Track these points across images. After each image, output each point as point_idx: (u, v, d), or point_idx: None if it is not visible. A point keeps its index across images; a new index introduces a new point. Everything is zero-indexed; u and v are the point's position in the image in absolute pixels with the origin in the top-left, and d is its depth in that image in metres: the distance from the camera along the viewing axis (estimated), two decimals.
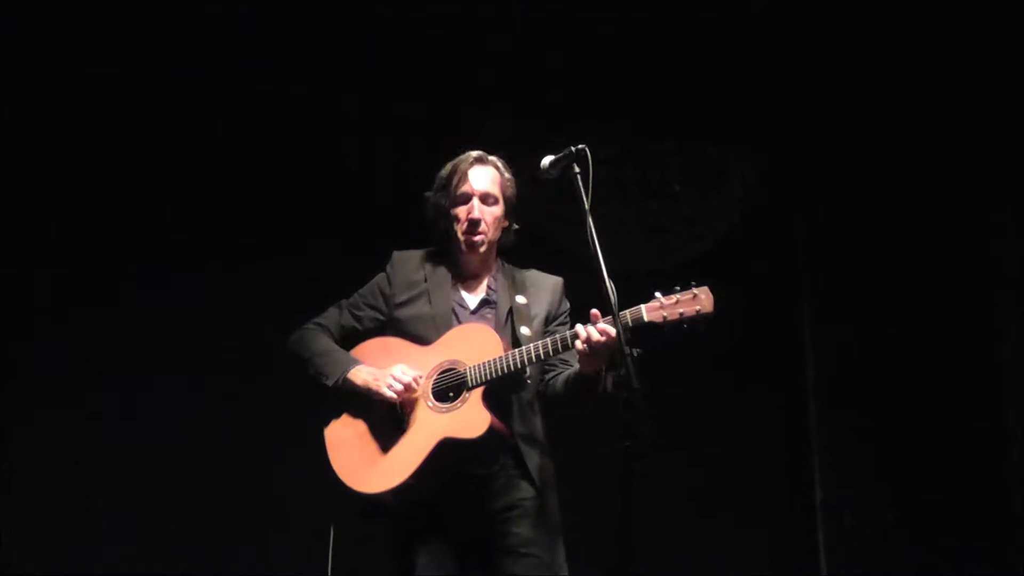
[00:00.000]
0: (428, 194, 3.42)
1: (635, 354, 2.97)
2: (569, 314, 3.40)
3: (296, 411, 3.37)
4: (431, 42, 4.81)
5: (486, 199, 3.35)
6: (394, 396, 3.17)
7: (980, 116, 5.00)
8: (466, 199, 3.34)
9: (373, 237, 3.97)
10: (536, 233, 3.53)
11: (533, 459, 3.20)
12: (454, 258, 3.40)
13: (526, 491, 3.18)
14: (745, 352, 4.95)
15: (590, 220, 2.99)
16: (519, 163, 3.43)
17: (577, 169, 3.08)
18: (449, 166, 3.40)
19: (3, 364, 4.53)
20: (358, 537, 3.34)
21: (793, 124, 5.15)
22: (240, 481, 4.58)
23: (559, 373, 3.30)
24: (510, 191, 3.40)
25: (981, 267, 5.08)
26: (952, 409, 4.98)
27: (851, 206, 5.15)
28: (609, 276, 2.94)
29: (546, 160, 3.17)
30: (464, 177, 3.36)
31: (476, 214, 3.33)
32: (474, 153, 3.40)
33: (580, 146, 3.09)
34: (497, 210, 3.37)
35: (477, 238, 3.33)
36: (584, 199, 3.04)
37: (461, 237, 3.34)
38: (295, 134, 4.86)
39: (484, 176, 3.37)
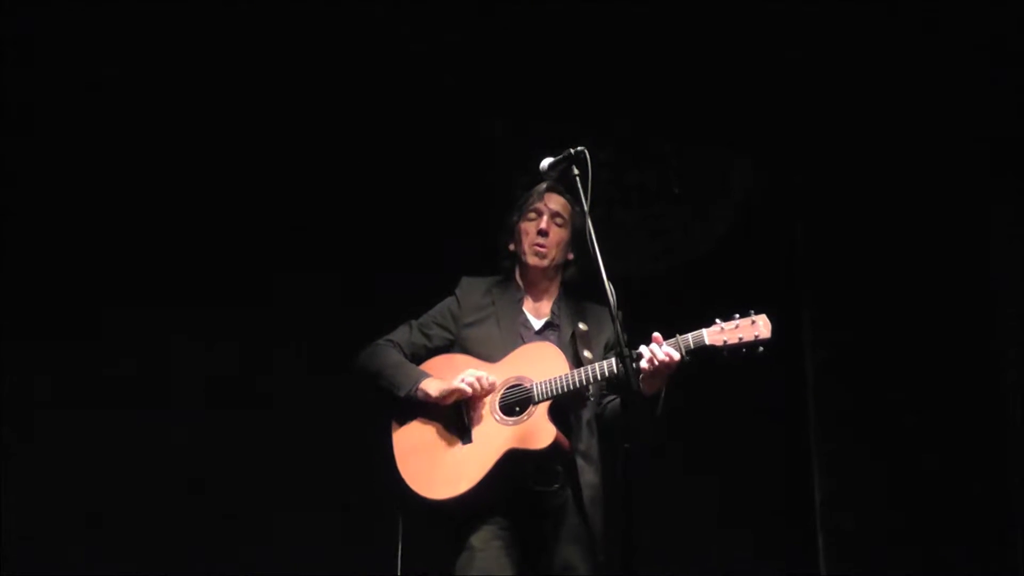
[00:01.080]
0: (507, 218, 3.60)
1: (634, 356, 3.06)
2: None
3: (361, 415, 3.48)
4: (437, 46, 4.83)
5: (555, 217, 3.51)
6: (467, 390, 3.26)
7: (983, 123, 5.03)
8: (537, 214, 3.52)
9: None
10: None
11: (587, 476, 3.30)
12: (520, 284, 3.57)
13: (578, 513, 3.27)
14: (744, 354, 4.91)
15: (589, 222, 3.01)
16: (519, 166, 3.49)
17: (576, 171, 3.10)
18: (527, 193, 3.59)
19: (6, 363, 4.51)
20: (425, 534, 3.44)
21: (793, 129, 5.16)
22: (306, 481, 4.60)
23: (616, 398, 3.40)
24: (578, 221, 3.49)
25: (981, 270, 5.10)
26: (952, 411, 5.00)
27: (851, 211, 5.17)
28: (608, 279, 2.96)
29: (545, 162, 3.20)
30: (538, 198, 3.54)
31: (544, 226, 3.49)
32: (547, 183, 3.51)
33: (579, 148, 3.11)
34: (564, 233, 3.52)
35: (543, 250, 3.49)
36: (583, 201, 3.07)
37: (527, 249, 3.50)
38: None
39: (556, 200, 3.54)
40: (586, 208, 3.06)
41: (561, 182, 3.26)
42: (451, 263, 3.77)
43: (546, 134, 3.54)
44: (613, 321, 2.95)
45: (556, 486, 3.27)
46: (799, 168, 5.23)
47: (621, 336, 2.95)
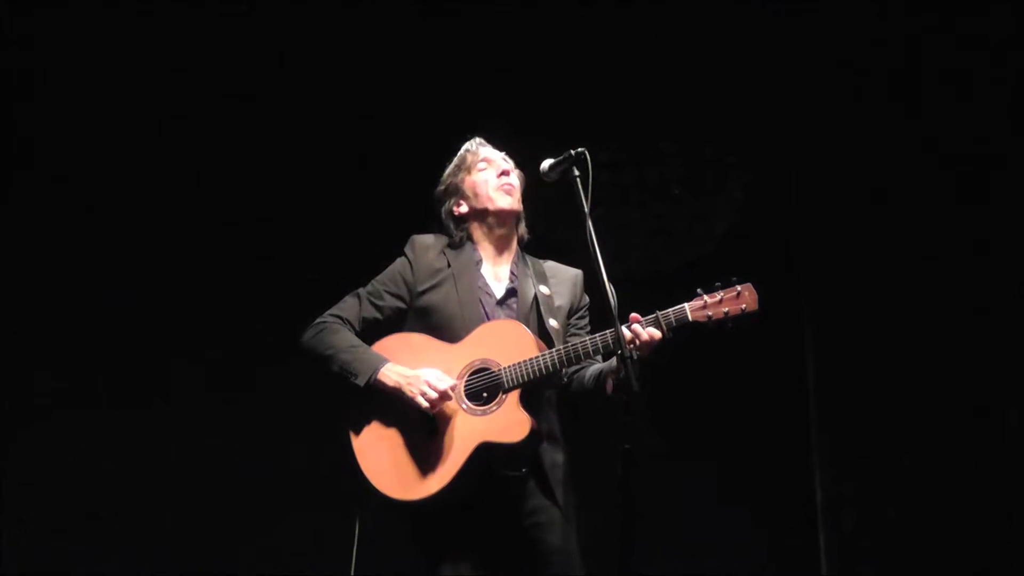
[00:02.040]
0: (439, 189, 3.41)
1: (634, 356, 2.96)
2: (588, 308, 3.37)
3: (309, 406, 3.36)
4: (429, 41, 4.82)
5: (506, 162, 3.37)
6: (428, 407, 3.06)
7: (984, 118, 5.01)
8: (487, 163, 3.36)
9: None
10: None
11: (551, 456, 3.15)
12: (476, 246, 3.35)
13: (548, 495, 3.13)
14: (745, 354, 4.92)
15: (590, 223, 2.98)
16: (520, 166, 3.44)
17: (576, 172, 3.07)
18: (459, 154, 3.41)
19: (11, 362, 4.51)
20: (382, 531, 3.22)
21: (792, 127, 5.15)
22: (258, 476, 4.58)
23: (581, 369, 3.25)
24: (546, 176, 3.32)
25: (982, 268, 5.08)
26: (952, 409, 4.98)
27: (850, 209, 5.14)
28: (609, 279, 2.93)
29: (545, 163, 3.17)
30: (479, 149, 3.39)
31: (505, 166, 3.32)
32: (477, 138, 3.42)
33: (579, 149, 3.08)
34: (519, 178, 3.36)
35: (511, 187, 3.30)
36: (584, 202, 3.04)
37: (493, 193, 3.31)
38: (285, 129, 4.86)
39: (497, 151, 3.41)
40: (587, 209, 3.02)
41: (562, 183, 3.13)
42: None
43: (543, 133, 3.47)
44: (615, 323, 2.90)
45: (524, 470, 3.10)
46: (797, 163, 5.22)
47: (623, 339, 2.89)
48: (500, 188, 3.31)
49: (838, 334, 5.14)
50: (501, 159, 3.39)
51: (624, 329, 2.99)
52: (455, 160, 3.43)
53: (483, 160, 3.38)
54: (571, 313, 3.34)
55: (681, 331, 3.03)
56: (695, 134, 5.14)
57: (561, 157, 3.11)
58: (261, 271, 4.77)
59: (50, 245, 4.65)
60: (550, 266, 3.41)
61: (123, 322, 4.67)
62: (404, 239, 3.36)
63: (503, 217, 3.34)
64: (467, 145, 3.42)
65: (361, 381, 3.11)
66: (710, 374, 4.92)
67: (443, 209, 3.40)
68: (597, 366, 3.22)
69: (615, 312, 2.93)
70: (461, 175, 3.38)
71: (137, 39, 4.60)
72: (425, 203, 3.43)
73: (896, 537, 4.95)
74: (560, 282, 3.35)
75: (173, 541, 4.54)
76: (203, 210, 4.79)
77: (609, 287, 2.96)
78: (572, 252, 3.29)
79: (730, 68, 4.96)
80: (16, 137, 4.62)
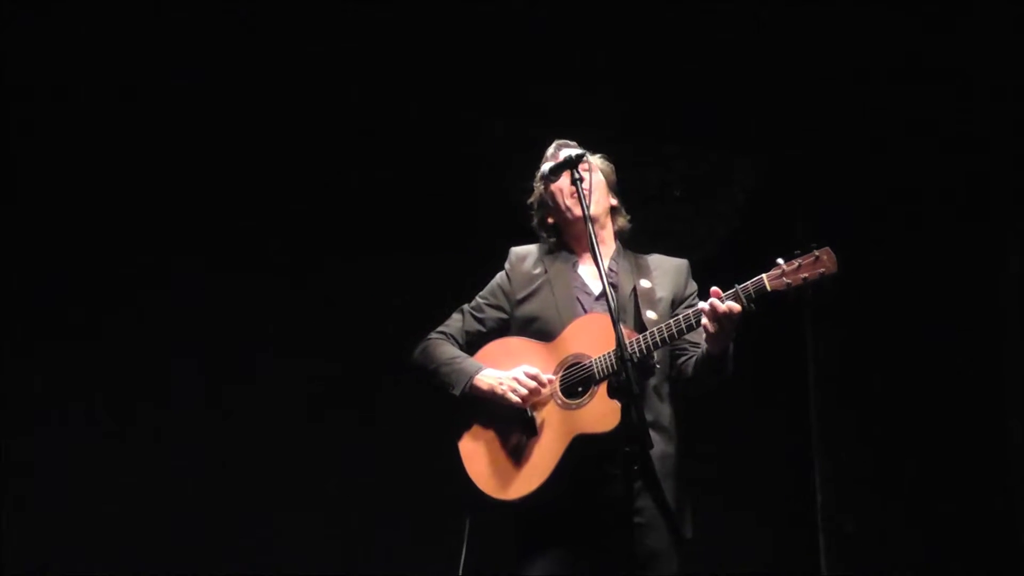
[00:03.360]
0: (530, 199, 3.44)
1: (635, 360, 3.00)
2: (697, 295, 3.33)
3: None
4: (438, 43, 4.81)
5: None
6: (520, 401, 3.12)
7: (990, 117, 5.03)
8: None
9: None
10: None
11: (659, 448, 3.08)
12: (570, 246, 3.37)
13: (655, 492, 3.11)
14: (745, 356, 4.91)
15: (591, 227, 3.00)
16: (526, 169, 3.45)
17: (578, 175, 3.07)
18: (542, 163, 3.35)
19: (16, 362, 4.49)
20: (491, 533, 3.28)
21: (794, 126, 5.15)
22: (373, 484, 4.62)
23: (690, 356, 3.20)
24: (608, 171, 3.36)
25: (986, 269, 5.08)
26: (954, 412, 4.99)
27: (852, 208, 5.13)
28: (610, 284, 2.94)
29: (546, 166, 3.18)
30: (556, 158, 3.27)
31: (576, 175, 3.17)
32: (556, 141, 3.37)
33: (579, 152, 3.10)
34: (598, 177, 3.30)
35: (584, 191, 3.19)
36: (585, 205, 3.05)
37: (569, 201, 3.29)
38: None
39: (574, 151, 3.29)
40: (588, 214, 3.04)
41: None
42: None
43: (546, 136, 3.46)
44: (615, 324, 2.88)
45: (635, 467, 2.96)
46: (798, 162, 5.22)
47: (623, 340, 2.86)
48: (573, 196, 3.27)
49: (840, 329, 5.14)
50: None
51: (704, 304, 2.97)
52: (540, 168, 3.37)
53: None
54: (675, 303, 3.30)
55: (761, 302, 2.98)
56: (697, 132, 5.14)
57: (561, 160, 3.11)
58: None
59: (55, 243, 4.60)
60: (654, 258, 3.39)
61: (124, 322, 4.64)
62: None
63: (580, 223, 3.29)
64: (549, 150, 3.38)
65: (457, 391, 3.19)
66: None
67: (534, 222, 3.46)
68: (698, 353, 3.17)
69: (615, 315, 2.91)
70: (541, 185, 3.37)
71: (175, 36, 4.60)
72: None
73: (896, 541, 4.96)
74: (663, 273, 3.33)
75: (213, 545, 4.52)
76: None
77: (610, 291, 2.97)
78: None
79: (732, 66, 4.96)
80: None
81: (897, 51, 4.93)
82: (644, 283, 3.27)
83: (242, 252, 4.71)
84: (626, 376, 2.82)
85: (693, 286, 3.37)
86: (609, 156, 3.44)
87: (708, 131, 5.10)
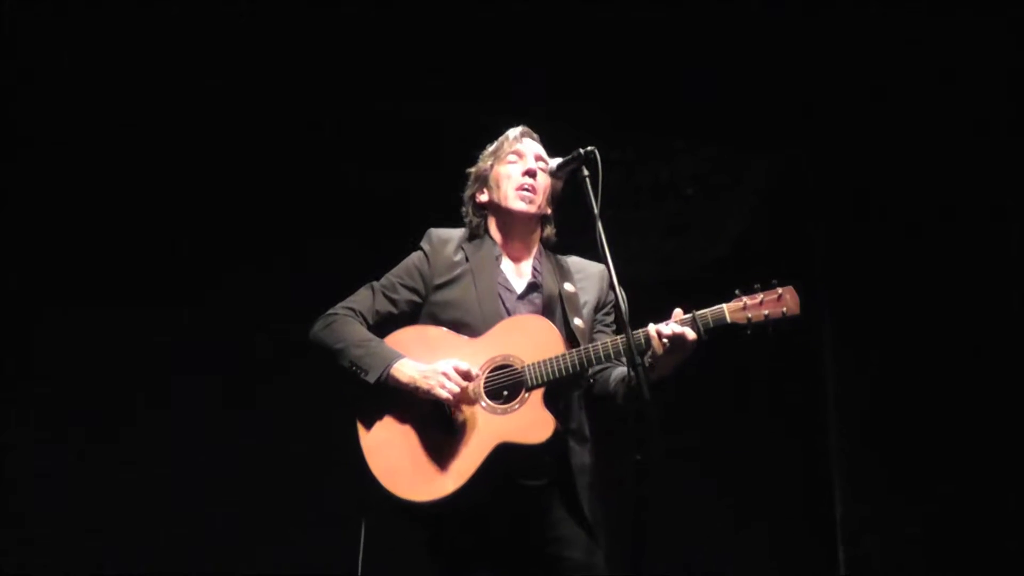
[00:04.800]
0: (469, 170, 3.31)
1: (646, 364, 2.87)
2: (614, 304, 3.20)
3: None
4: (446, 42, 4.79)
5: (538, 161, 3.22)
6: (449, 397, 2.93)
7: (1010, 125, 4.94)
8: (518, 156, 3.23)
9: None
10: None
11: (579, 459, 3.00)
12: (496, 239, 3.25)
13: (573, 505, 2.98)
14: (763, 370, 4.89)
15: (599, 225, 2.88)
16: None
17: (586, 172, 2.97)
18: (499, 139, 3.29)
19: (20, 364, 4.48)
20: (391, 535, 3.10)
21: (813, 133, 5.11)
22: (264, 478, 4.48)
23: (605, 369, 3.10)
24: (554, 176, 3.24)
25: (1007, 281, 4.96)
26: (975, 428, 4.88)
27: (872, 219, 5.08)
28: (620, 283, 2.83)
29: (553, 163, 3.10)
30: (517, 141, 3.26)
31: (531, 167, 3.17)
32: (522, 127, 3.30)
33: (589, 148, 2.99)
34: (546, 180, 3.21)
35: (529, 194, 3.17)
36: (593, 203, 2.93)
37: (511, 192, 3.18)
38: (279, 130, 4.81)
39: (535, 145, 3.28)
40: (596, 211, 2.92)
41: (570, 183, 3.05)
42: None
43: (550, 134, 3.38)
44: (626, 327, 2.78)
45: (546, 480, 2.96)
46: (818, 171, 5.18)
47: (635, 345, 2.74)
48: (519, 188, 3.20)
49: (859, 345, 5.07)
50: (533, 157, 3.24)
51: (651, 326, 2.89)
52: (493, 144, 3.31)
53: (514, 152, 3.25)
54: (597, 309, 3.21)
55: (716, 333, 2.90)
56: (715, 136, 5.10)
57: (570, 156, 3.02)
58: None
59: (66, 244, 4.60)
60: (574, 262, 3.30)
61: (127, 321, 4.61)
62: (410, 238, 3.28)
63: (515, 219, 3.23)
64: (509, 131, 3.30)
65: (372, 378, 3.00)
66: (727, 392, 4.86)
67: (466, 193, 3.32)
68: (621, 369, 3.08)
69: (626, 318, 2.82)
70: (491, 162, 3.28)
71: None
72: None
73: (916, 558, 4.87)
74: (585, 278, 3.24)
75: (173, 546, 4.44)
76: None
77: (620, 292, 2.86)
78: (582, 253, 3.23)
79: (754, 70, 4.93)
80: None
81: (918, 56, 4.90)
82: (568, 287, 3.18)
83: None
84: (637, 382, 2.69)
85: (612, 294, 3.20)
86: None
87: (725, 135, 5.07)
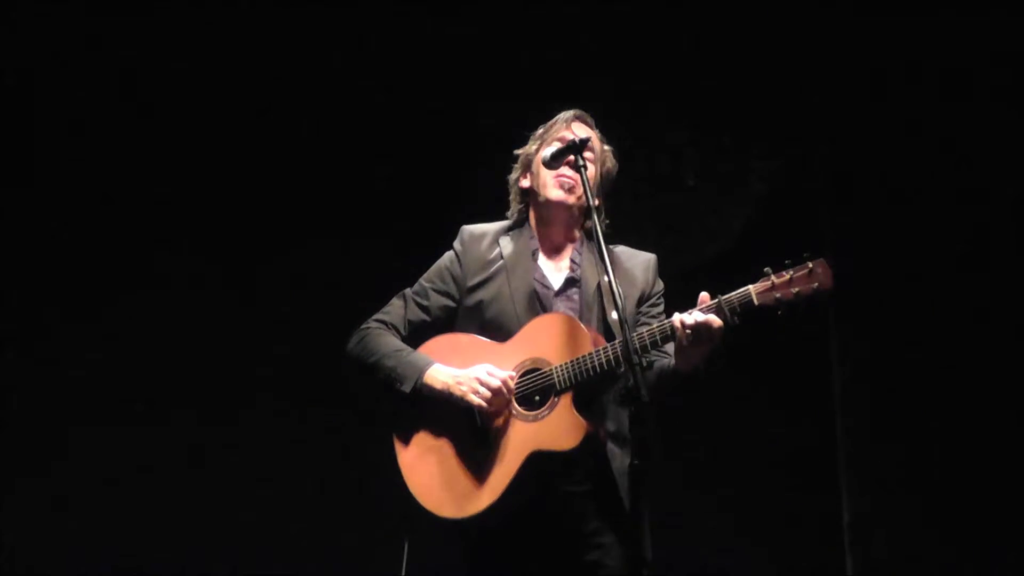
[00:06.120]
0: (518, 151, 3.18)
1: (644, 363, 2.73)
2: (663, 295, 3.10)
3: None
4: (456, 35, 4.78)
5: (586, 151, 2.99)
6: (482, 404, 2.85)
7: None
8: (563, 143, 2.98)
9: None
10: None
11: (619, 462, 2.86)
12: (534, 230, 3.12)
13: (614, 511, 2.86)
14: (770, 368, 4.82)
15: (595, 217, 2.79)
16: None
17: (583, 161, 2.86)
18: (549, 122, 3.14)
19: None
20: (433, 552, 3.06)
21: (821, 122, 5.02)
22: (307, 490, 4.52)
23: (652, 362, 2.95)
24: (609, 163, 3.11)
25: (1020, 273, 4.86)
26: (986, 425, 4.78)
27: (880, 210, 4.97)
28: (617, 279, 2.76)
29: (547, 152, 2.98)
30: (564, 126, 3.10)
31: (580, 161, 2.91)
32: (575, 110, 3.14)
33: (585, 137, 2.90)
34: (593, 170, 3.01)
35: (569, 181, 3.01)
36: (589, 194, 2.84)
37: (549, 181, 3.03)
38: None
39: (585, 130, 3.08)
40: (593, 203, 2.83)
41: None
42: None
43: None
44: (623, 325, 2.66)
45: (589, 486, 2.85)
46: (825, 160, 5.08)
47: (631, 343, 2.62)
48: (557, 177, 3.04)
49: (866, 340, 4.97)
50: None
51: (676, 316, 2.76)
52: (545, 126, 3.16)
53: (559, 139, 3.06)
54: (641, 301, 3.07)
55: (747, 317, 2.73)
56: (721, 125, 5.02)
57: (563, 146, 2.92)
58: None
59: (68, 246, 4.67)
60: (620, 251, 3.15)
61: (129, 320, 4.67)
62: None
63: (551, 209, 3.08)
64: (561, 114, 3.14)
65: (407, 387, 2.94)
66: (734, 388, 4.74)
67: (511, 176, 3.20)
68: (663, 362, 2.94)
69: (623, 316, 2.69)
70: (536, 145, 3.14)
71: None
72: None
73: (926, 559, 4.77)
74: (630, 268, 3.09)
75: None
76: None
77: (617, 288, 2.74)
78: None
79: (761, 59, 4.89)
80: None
81: (925, 47, 4.83)
82: (609, 279, 2.99)
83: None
84: (635, 382, 2.56)
85: (660, 284, 3.13)
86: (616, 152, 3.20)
87: (732, 124, 5.01)
